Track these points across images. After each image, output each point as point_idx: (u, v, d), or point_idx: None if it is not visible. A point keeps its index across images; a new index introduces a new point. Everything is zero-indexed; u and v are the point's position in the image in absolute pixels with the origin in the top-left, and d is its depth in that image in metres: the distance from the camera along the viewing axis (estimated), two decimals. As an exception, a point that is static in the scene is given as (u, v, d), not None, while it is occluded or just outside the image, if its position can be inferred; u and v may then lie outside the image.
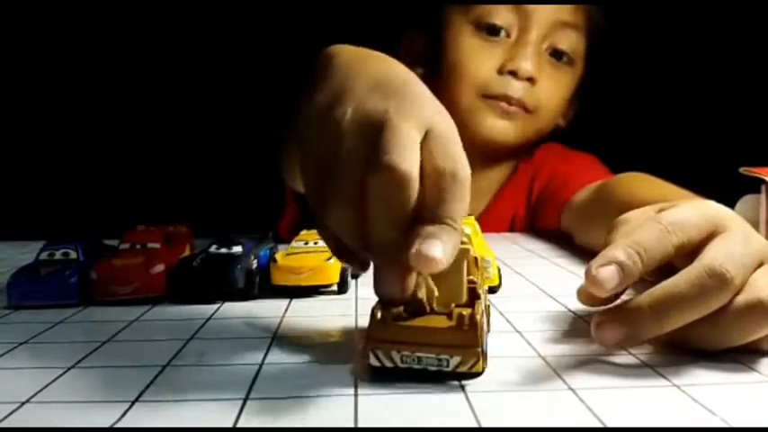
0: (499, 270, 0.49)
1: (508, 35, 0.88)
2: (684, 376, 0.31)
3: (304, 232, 0.57)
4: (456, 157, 0.32)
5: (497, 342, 0.37)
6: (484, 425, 0.26)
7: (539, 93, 0.88)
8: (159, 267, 0.49)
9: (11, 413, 0.28)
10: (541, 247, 0.74)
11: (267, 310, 0.46)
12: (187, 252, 0.56)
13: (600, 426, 0.26)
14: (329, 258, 0.49)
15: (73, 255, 0.51)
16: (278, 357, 0.35)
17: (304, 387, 0.31)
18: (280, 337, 0.39)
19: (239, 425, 0.27)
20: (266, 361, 0.35)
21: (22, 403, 0.29)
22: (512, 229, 0.95)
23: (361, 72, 0.36)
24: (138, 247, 0.52)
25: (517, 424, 0.26)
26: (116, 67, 1.17)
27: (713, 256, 0.33)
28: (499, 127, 0.89)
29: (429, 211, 0.30)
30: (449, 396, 0.29)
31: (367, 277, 0.56)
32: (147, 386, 0.31)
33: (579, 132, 1.01)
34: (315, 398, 0.29)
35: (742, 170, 0.54)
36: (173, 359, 0.35)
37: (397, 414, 0.27)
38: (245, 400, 0.29)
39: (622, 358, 0.34)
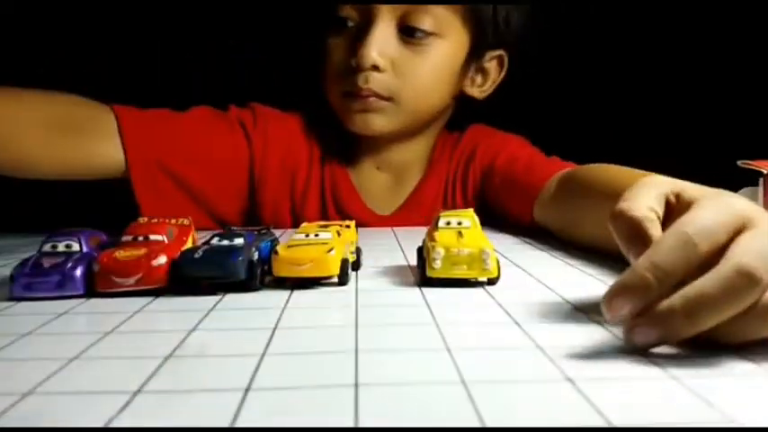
0: (498, 262, 0.49)
1: (356, 26, 0.86)
2: (683, 368, 0.31)
3: (305, 224, 0.57)
4: None
5: (497, 334, 0.38)
6: (487, 423, 0.26)
7: (392, 78, 0.85)
8: (162, 259, 0.50)
9: (14, 404, 0.29)
10: (539, 239, 0.74)
11: (269, 301, 0.46)
12: (189, 244, 0.57)
13: (602, 425, 0.26)
14: (330, 250, 0.50)
15: (75, 247, 0.52)
16: (279, 349, 0.36)
17: (304, 380, 0.31)
18: (281, 329, 0.39)
19: (240, 417, 0.27)
20: (268, 352, 0.35)
21: (25, 395, 0.30)
22: (445, 204, 0.94)
23: None
24: (141, 239, 0.52)
25: (518, 420, 0.26)
26: (119, 63, 1.17)
27: (742, 253, 0.32)
28: (366, 121, 0.87)
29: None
30: (450, 392, 0.29)
31: (367, 269, 0.57)
32: (150, 377, 0.31)
33: (577, 130, 1.01)
34: (314, 392, 0.30)
35: (740, 163, 0.54)
36: (175, 350, 0.36)
37: (398, 411, 0.27)
38: (246, 392, 0.29)
39: (621, 349, 0.34)
